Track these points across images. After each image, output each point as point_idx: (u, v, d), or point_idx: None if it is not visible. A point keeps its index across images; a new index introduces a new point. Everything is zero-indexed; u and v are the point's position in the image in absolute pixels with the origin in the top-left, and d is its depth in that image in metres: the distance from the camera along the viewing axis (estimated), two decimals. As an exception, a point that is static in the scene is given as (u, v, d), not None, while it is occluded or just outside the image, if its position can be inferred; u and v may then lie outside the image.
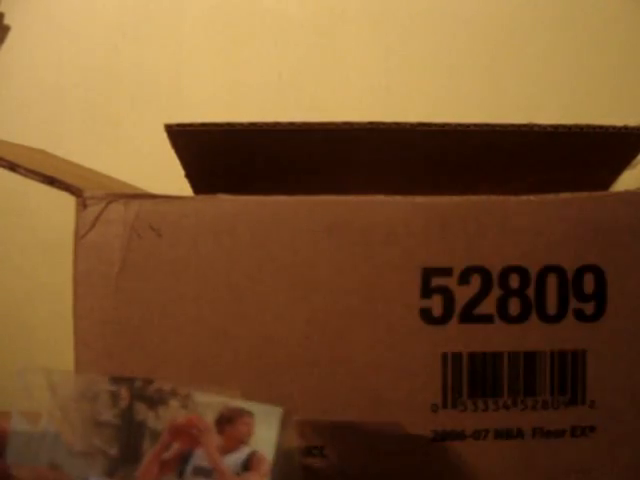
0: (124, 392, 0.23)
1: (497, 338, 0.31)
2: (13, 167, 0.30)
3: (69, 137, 0.71)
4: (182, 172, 0.39)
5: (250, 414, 0.23)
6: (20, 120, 0.72)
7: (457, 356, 0.31)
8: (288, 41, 0.72)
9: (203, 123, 0.34)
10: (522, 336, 0.31)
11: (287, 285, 0.30)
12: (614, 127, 0.34)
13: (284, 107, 0.70)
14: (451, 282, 0.31)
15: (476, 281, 0.31)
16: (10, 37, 0.72)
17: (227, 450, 0.23)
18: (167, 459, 0.23)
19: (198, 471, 0.23)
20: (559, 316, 0.31)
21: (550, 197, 0.31)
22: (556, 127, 0.35)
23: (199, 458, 0.23)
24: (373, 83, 0.71)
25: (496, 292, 0.31)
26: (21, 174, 0.30)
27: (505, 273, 0.31)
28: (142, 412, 0.23)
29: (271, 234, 0.30)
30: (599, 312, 0.31)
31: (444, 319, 0.31)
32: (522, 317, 0.31)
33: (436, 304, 0.31)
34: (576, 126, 0.35)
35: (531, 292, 0.31)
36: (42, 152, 0.40)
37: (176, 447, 0.23)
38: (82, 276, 0.30)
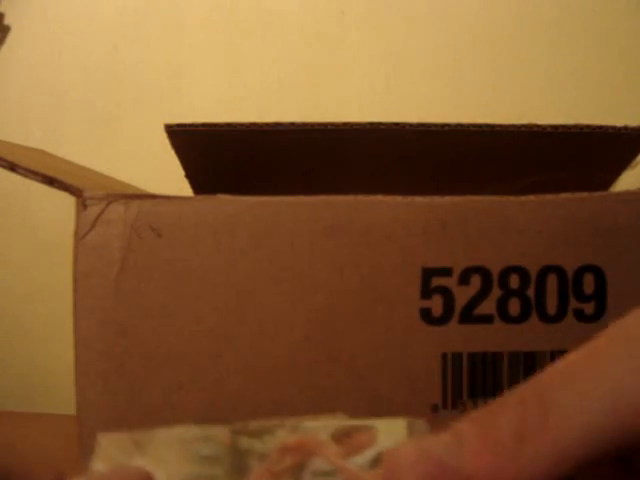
0: (222, 431, 0.21)
1: (497, 338, 0.31)
2: (13, 167, 0.30)
3: (69, 137, 0.71)
4: (182, 172, 0.39)
5: (371, 427, 0.20)
6: (20, 120, 0.72)
7: (457, 356, 0.31)
8: (288, 41, 0.72)
9: (203, 123, 0.34)
10: (522, 336, 0.31)
11: (287, 285, 0.30)
12: (614, 127, 0.34)
13: (284, 107, 0.70)
14: (451, 282, 0.31)
15: (476, 281, 0.31)
16: (10, 37, 0.72)
17: (349, 455, 0.20)
18: (279, 470, 0.20)
19: (318, 474, 0.20)
20: (559, 316, 0.31)
21: (550, 197, 0.31)
22: (556, 127, 0.35)
23: (317, 464, 0.20)
24: (373, 83, 0.71)
25: (496, 292, 0.31)
26: (21, 174, 0.30)
27: (505, 273, 0.31)
28: (246, 443, 0.21)
29: (271, 234, 0.30)
30: (599, 312, 0.31)
31: (444, 319, 0.31)
32: (522, 317, 0.31)
33: (436, 304, 0.31)
34: (576, 126, 0.35)
35: (531, 292, 0.31)
36: (42, 152, 0.40)
37: (289, 460, 0.20)
38: (82, 276, 0.30)
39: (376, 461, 0.19)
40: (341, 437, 0.20)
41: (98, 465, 0.20)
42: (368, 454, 0.19)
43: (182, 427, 0.20)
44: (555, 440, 0.14)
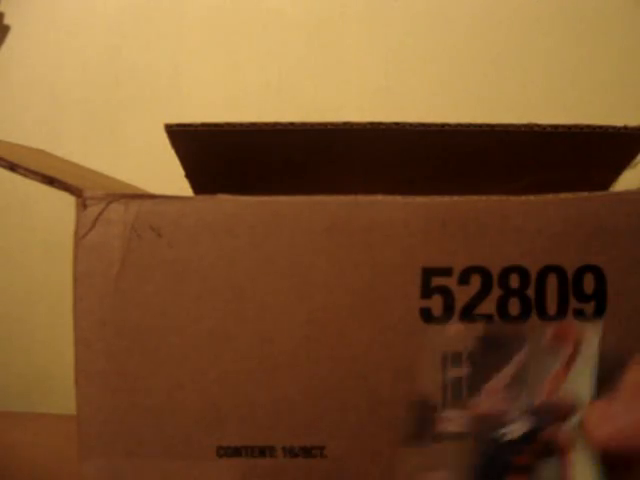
0: None
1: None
2: (13, 167, 0.30)
3: (69, 137, 0.72)
4: (182, 172, 0.39)
5: None
6: (20, 120, 0.72)
7: (457, 356, 0.31)
8: (288, 41, 0.72)
9: (203, 123, 0.34)
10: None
11: (287, 285, 0.30)
12: (614, 127, 0.34)
13: (284, 107, 0.70)
14: (451, 282, 0.31)
15: (476, 281, 0.31)
16: (10, 37, 0.72)
17: None
18: None
19: None
20: (559, 316, 0.31)
21: (550, 197, 0.31)
22: (556, 127, 0.35)
23: None
24: (373, 83, 0.71)
25: (496, 292, 0.31)
26: (21, 174, 0.30)
27: (505, 273, 0.31)
28: None
29: (271, 234, 0.30)
30: (599, 312, 0.31)
31: (444, 319, 0.31)
32: (522, 317, 0.31)
33: (436, 304, 0.31)
34: (576, 126, 0.35)
35: (531, 292, 0.31)
36: (42, 152, 0.40)
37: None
38: (82, 276, 0.30)
39: None
40: None
41: None
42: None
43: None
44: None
